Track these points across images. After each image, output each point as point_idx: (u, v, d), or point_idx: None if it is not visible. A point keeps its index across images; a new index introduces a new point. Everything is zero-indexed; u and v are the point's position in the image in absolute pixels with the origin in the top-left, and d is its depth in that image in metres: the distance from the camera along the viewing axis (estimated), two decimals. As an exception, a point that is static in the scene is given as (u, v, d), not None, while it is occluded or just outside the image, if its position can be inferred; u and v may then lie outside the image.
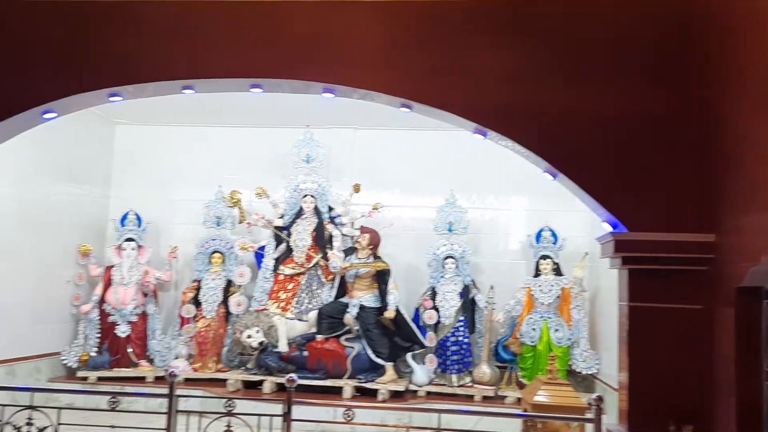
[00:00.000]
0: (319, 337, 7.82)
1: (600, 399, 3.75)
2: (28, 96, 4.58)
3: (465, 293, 8.02)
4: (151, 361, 8.31)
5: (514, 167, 5.99)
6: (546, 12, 4.37)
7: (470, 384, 7.78)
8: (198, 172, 9.10)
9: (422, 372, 7.75)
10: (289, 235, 8.40)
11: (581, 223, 8.20)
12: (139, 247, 8.47)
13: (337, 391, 7.50)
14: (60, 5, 4.65)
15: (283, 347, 7.72)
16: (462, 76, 4.39)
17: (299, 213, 8.46)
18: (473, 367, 7.88)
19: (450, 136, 7.47)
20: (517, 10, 4.39)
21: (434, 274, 8.19)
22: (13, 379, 7.32)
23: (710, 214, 3.99)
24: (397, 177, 8.93)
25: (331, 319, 7.87)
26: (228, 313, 8.34)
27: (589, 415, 3.91)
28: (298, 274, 8.35)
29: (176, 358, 8.21)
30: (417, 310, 8.09)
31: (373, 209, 8.38)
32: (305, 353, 7.72)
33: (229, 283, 8.43)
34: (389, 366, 7.72)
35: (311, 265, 8.32)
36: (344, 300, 8.01)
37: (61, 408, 4.11)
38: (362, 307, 7.82)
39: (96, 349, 8.10)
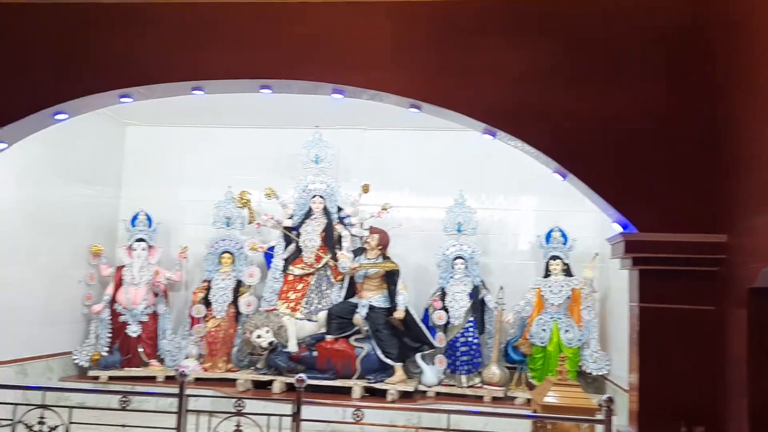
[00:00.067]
0: (329, 338, 7.83)
1: (610, 400, 3.73)
2: (40, 97, 4.62)
3: (474, 294, 8.00)
4: (161, 360, 8.34)
5: (524, 167, 5.97)
6: (557, 12, 4.35)
7: (480, 385, 7.77)
8: (208, 173, 9.14)
9: (431, 372, 7.75)
10: (298, 235, 8.42)
11: (591, 223, 8.17)
12: (150, 247, 8.51)
13: (346, 392, 7.51)
14: (71, 8, 4.68)
15: (292, 347, 7.74)
16: (471, 77, 4.38)
17: (308, 213, 8.48)
18: (483, 368, 7.86)
19: (459, 137, 7.46)
20: (528, 10, 4.38)
21: (443, 274, 8.18)
22: (26, 378, 7.37)
23: (722, 215, 3.97)
24: (406, 177, 8.92)
25: (340, 319, 7.88)
26: (238, 313, 8.37)
27: (599, 417, 3.89)
28: (308, 275, 8.36)
29: (186, 357, 8.25)
30: (426, 310, 8.08)
31: (382, 210, 8.38)
32: (315, 353, 7.74)
33: (239, 284, 8.46)
34: (398, 366, 7.72)
35: (320, 265, 8.34)
36: (353, 300, 8.01)
37: (72, 407, 4.14)
38: (371, 308, 7.82)
39: (107, 348, 8.15)
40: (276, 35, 4.53)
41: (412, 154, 8.86)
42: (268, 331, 7.72)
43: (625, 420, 4.46)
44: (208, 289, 8.42)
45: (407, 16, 4.45)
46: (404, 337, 7.80)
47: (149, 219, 8.62)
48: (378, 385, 7.54)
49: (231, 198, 8.57)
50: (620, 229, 4.23)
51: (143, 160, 9.28)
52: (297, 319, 8.02)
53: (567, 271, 7.88)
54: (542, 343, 7.67)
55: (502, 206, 8.85)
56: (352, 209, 8.55)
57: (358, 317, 7.80)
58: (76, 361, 8.13)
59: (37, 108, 4.62)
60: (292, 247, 8.44)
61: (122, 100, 4.77)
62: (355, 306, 7.90)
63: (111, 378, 7.89)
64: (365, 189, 8.42)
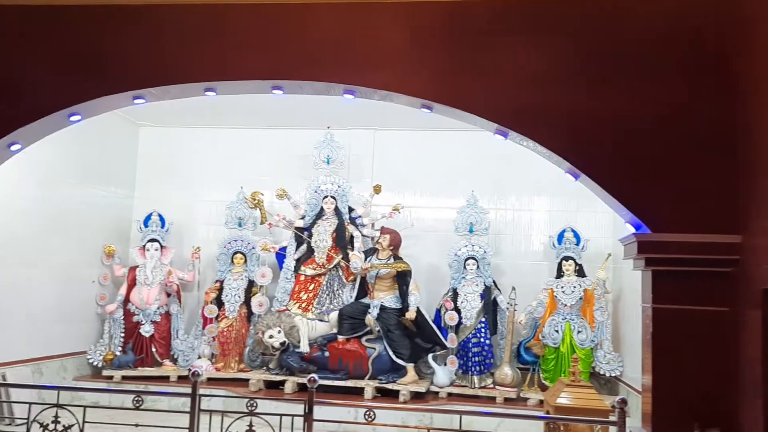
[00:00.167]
0: (341, 338, 7.84)
1: (624, 401, 3.71)
2: (54, 99, 4.67)
3: (486, 294, 7.98)
4: (174, 360, 8.39)
5: (536, 168, 5.97)
6: (570, 12, 4.33)
7: (492, 386, 7.74)
8: (220, 174, 9.19)
9: (443, 373, 7.73)
10: (309, 236, 8.44)
11: (604, 223, 8.15)
12: (163, 247, 8.56)
13: (358, 392, 7.51)
14: (84, 10, 4.72)
15: (304, 347, 7.75)
16: (483, 77, 4.37)
17: (320, 214, 8.49)
18: (495, 369, 7.84)
19: (471, 137, 7.44)
20: (541, 10, 4.36)
21: (455, 275, 8.17)
22: (40, 377, 7.44)
23: (736, 215, 3.93)
24: (418, 178, 8.92)
25: (352, 319, 7.89)
26: (250, 314, 8.40)
27: (612, 418, 3.87)
28: (319, 275, 8.38)
29: (199, 357, 8.29)
30: (438, 311, 8.07)
31: (394, 210, 8.38)
32: (326, 354, 7.75)
33: (251, 284, 8.49)
34: (410, 367, 7.72)
35: (332, 265, 8.35)
36: (365, 301, 8.02)
37: (86, 406, 4.17)
38: (383, 308, 7.82)
39: (120, 348, 8.20)
40: (288, 37, 4.55)
41: (424, 155, 8.86)
42: (279, 332, 7.75)
43: (638, 421, 4.43)
44: (221, 289, 8.45)
45: (418, 17, 4.45)
46: (416, 338, 7.79)
47: (162, 219, 8.67)
48: (390, 386, 7.54)
49: (243, 199, 8.60)
50: (633, 230, 4.20)
51: (156, 161, 9.34)
52: (309, 319, 8.04)
53: (580, 272, 7.85)
54: (555, 344, 7.64)
55: (515, 206, 8.83)
56: (363, 210, 8.56)
57: (370, 318, 7.81)
58: (90, 361, 8.19)
59: (51, 110, 4.67)
60: (304, 247, 8.46)
61: (135, 101, 4.81)
62: (367, 306, 7.90)
63: (124, 377, 7.94)
64: (377, 189, 8.43)
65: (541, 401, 6.67)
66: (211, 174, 9.27)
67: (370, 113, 7.92)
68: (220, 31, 4.62)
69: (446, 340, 7.78)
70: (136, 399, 4.02)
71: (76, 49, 4.72)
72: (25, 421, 4.15)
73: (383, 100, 4.65)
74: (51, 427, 4.07)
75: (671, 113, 4.15)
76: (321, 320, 8.11)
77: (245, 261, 8.57)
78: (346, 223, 8.44)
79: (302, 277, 8.39)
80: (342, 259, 8.30)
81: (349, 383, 7.55)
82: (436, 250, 8.51)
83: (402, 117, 6.99)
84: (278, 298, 8.35)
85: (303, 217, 8.56)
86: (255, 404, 3.96)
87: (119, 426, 4.72)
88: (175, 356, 8.41)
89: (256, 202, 8.50)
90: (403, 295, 7.83)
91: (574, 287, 7.75)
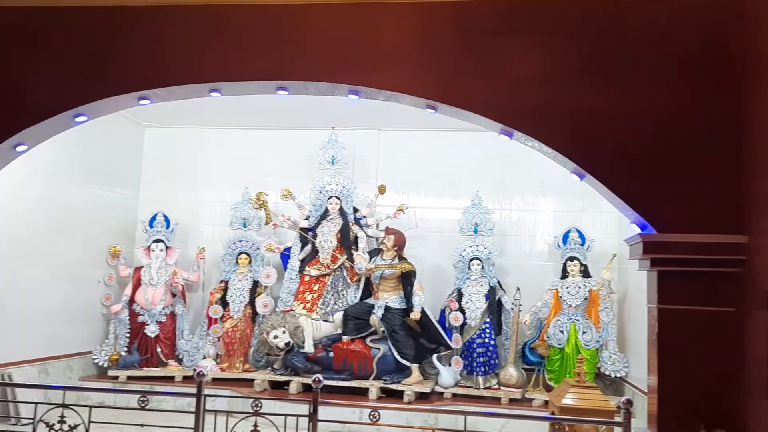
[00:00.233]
0: (345, 338, 7.84)
1: (629, 402, 3.70)
2: (60, 100, 4.68)
3: (491, 295, 7.97)
4: (179, 360, 8.40)
5: (541, 168, 5.95)
6: (575, 12, 4.33)
7: (497, 386, 7.73)
8: (225, 174, 9.21)
9: (448, 374, 7.73)
10: (314, 236, 8.44)
11: (609, 224, 8.13)
12: (168, 248, 8.58)
13: (362, 392, 7.51)
14: (90, 11, 4.74)
15: (309, 348, 7.75)
16: (488, 77, 4.37)
17: (324, 214, 8.50)
18: (500, 369, 7.83)
19: (475, 137, 7.43)
20: (546, 10, 4.36)
21: (460, 275, 8.16)
22: (46, 377, 7.46)
23: (742, 215, 3.92)
24: (422, 178, 8.92)
25: (356, 320, 7.89)
26: (255, 314, 8.41)
27: (617, 419, 3.86)
28: (324, 275, 8.38)
29: (204, 358, 8.31)
30: (443, 311, 8.07)
31: (398, 210, 8.38)
32: (331, 354, 7.75)
33: (256, 284, 8.50)
34: (415, 367, 7.71)
35: (336, 266, 8.35)
36: (370, 301, 8.02)
37: (92, 406, 4.18)
38: (387, 309, 7.82)
39: (126, 348, 8.22)
40: (293, 37, 4.55)
41: (429, 155, 8.85)
42: (284, 332, 7.75)
43: (644, 422, 4.43)
44: (225, 289, 8.46)
45: (423, 17, 4.45)
46: (420, 338, 7.79)
47: (167, 220, 8.69)
48: (394, 386, 7.54)
49: (248, 199, 8.61)
50: (638, 230, 4.19)
51: (161, 161, 9.36)
52: (313, 319, 8.04)
53: (585, 272, 7.83)
54: (560, 344, 7.62)
55: (519, 207, 8.82)
56: (368, 210, 8.56)
57: (375, 318, 7.81)
58: (96, 361, 8.21)
59: (57, 111, 4.69)
60: (309, 248, 8.47)
61: (141, 102, 4.83)
62: (372, 307, 7.90)
63: (130, 378, 7.96)
64: (381, 190, 8.43)
65: (546, 402, 6.65)
66: (215, 174, 9.29)
67: (375, 114, 7.92)
68: (226, 32, 4.63)
69: (451, 340, 7.78)
70: (141, 399, 4.03)
71: (82, 50, 4.74)
72: (31, 420, 4.17)
73: (388, 100, 4.65)
74: (57, 427, 4.08)
75: (676, 113, 4.14)
76: (325, 321, 8.11)
77: (250, 261, 8.59)
78: (350, 224, 8.44)
79: (307, 278, 8.39)
80: (346, 259, 8.30)
81: (354, 384, 7.55)
82: (440, 250, 8.50)
83: (406, 117, 6.98)
84: (283, 299, 8.35)
85: (308, 218, 8.57)
86: (260, 404, 3.97)
87: (125, 426, 4.73)
88: (180, 356, 8.42)
89: (261, 202, 8.51)
90: (408, 296, 7.82)
91: (579, 288, 7.73)
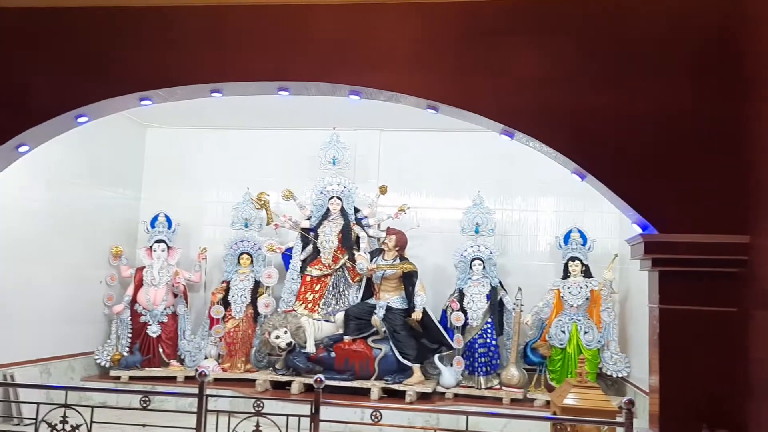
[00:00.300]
0: (347, 338, 7.84)
1: (631, 402, 3.70)
2: (62, 101, 4.69)
3: (492, 295, 7.97)
4: (181, 361, 8.41)
5: (542, 168, 5.95)
6: (576, 12, 4.32)
7: (498, 386, 7.73)
8: (226, 175, 9.22)
9: (450, 374, 7.73)
10: (315, 236, 8.45)
11: (611, 224, 8.13)
12: (169, 248, 8.59)
13: (364, 392, 7.51)
14: (91, 12, 4.74)
15: (310, 348, 7.76)
16: (489, 77, 4.37)
17: (326, 214, 8.50)
18: (501, 370, 7.83)
19: (476, 137, 7.43)
20: (547, 10, 4.36)
21: (461, 275, 8.15)
22: (48, 377, 7.47)
23: (744, 215, 3.91)
24: (424, 178, 8.93)
25: (358, 320, 7.89)
26: (256, 314, 8.42)
27: (619, 419, 3.86)
28: (325, 276, 8.39)
29: (206, 358, 8.31)
30: (444, 311, 8.07)
31: (400, 211, 8.39)
32: (333, 354, 7.75)
33: (257, 284, 8.51)
34: (416, 367, 7.71)
35: (338, 266, 8.35)
36: (371, 301, 8.02)
37: (94, 406, 4.18)
38: (389, 309, 7.82)
39: (128, 348, 8.23)
40: (294, 38, 4.56)
41: (430, 155, 8.86)
42: (286, 332, 7.76)
43: (645, 423, 4.43)
44: (227, 289, 8.47)
45: (423, 18, 4.45)
46: (422, 339, 7.79)
47: (169, 220, 8.70)
48: (396, 387, 7.54)
49: (249, 199, 8.62)
50: (640, 230, 4.19)
51: (163, 162, 9.37)
52: (315, 320, 8.04)
53: (586, 273, 7.82)
54: (561, 344, 7.62)
55: (521, 207, 8.82)
56: (369, 210, 8.56)
57: (376, 318, 7.81)
58: (98, 361, 8.22)
59: (58, 111, 4.69)
60: (310, 248, 8.47)
61: (142, 103, 4.83)
62: (373, 307, 7.90)
63: (132, 378, 7.96)
64: (383, 190, 8.44)
65: (548, 402, 6.65)
66: (217, 175, 9.30)
67: (376, 114, 7.92)
68: (227, 32, 4.63)
69: (452, 340, 7.78)
70: (143, 399, 4.04)
71: (83, 51, 4.74)
72: (34, 421, 4.18)
73: (389, 100, 4.65)
74: (59, 427, 4.08)
75: (677, 113, 4.14)
76: (327, 321, 8.12)
77: (251, 262, 8.59)
78: (352, 224, 8.44)
79: (308, 278, 8.40)
80: (348, 259, 8.31)
81: (356, 384, 7.56)
82: (442, 250, 8.50)
83: (407, 118, 6.99)
84: (284, 299, 8.36)
85: (309, 218, 8.58)
86: (262, 405, 3.97)
87: (127, 426, 4.75)
88: (182, 357, 8.43)
89: (263, 202, 8.52)
90: (409, 296, 7.83)
91: (581, 288, 7.73)
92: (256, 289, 8.48)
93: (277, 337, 7.75)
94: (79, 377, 8.01)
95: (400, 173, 8.82)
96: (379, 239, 8.34)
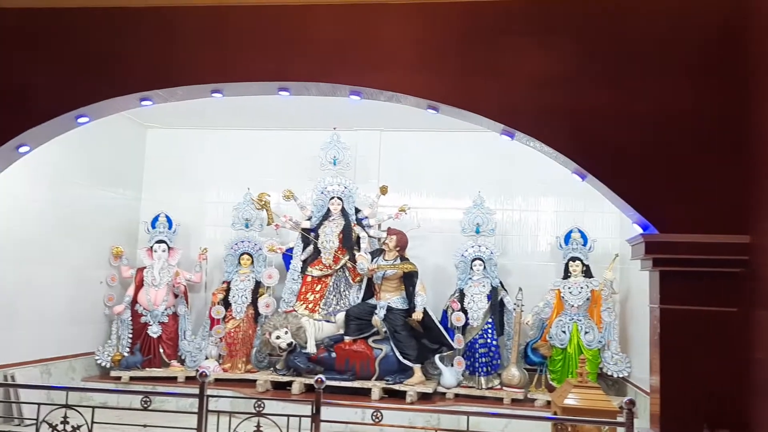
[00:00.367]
0: (347, 339, 7.84)
1: (631, 402, 3.70)
2: (62, 101, 4.69)
3: (493, 295, 7.97)
4: (182, 361, 8.41)
5: (543, 168, 5.95)
6: (577, 12, 4.32)
7: (499, 386, 7.73)
8: (227, 175, 9.23)
9: (450, 374, 7.73)
10: (316, 237, 8.45)
11: (611, 224, 8.13)
12: (170, 248, 8.59)
13: (365, 393, 7.51)
14: (91, 12, 4.74)
15: (311, 348, 7.76)
16: (490, 78, 4.37)
17: (327, 215, 8.50)
18: (502, 370, 7.83)
19: (477, 138, 7.43)
20: (548, 10, 4.35)
21: (462, 275, 8.15)
22: (49, 378, 7.48)
23: (745, 215, 3.91)
24: (424, 178, 8.93)
25: (358, 320, 7.89)
26: (257, 314, 8.42)
27: (620, 419, 3.86)
28: (326, 276, 8.39)
29: (206, 358, 8.31)
30: (445, 311, 8.07)
31: (400, 211, 8.39)
32: (333, 354, 7.76)
33: (258, 285, 8.51)
34: (417, 368, 7.71)
35: (339, 266, 8.36)
36: (372, 301, 8.02)
37: (95, 407, 4.18)
38: (390, 309, 7.82)
39: (128, 349, 8.23)
40: (294, 38, 4.56)
41: (430, 155, 8.86)
42: (286, 333, 7.76)
43: (646, 423, 4.42)
44: (228, 290, 8.47)
45: (424, 18, 4.45)
46: (423, 339, 7.79)
47: (169, 221, 8.70)
48: (397, 387, 7.54)
49: (250, 200, 8.62)
50: (640, 230, 4.19)
51: (164, 162, 9.37)
52: (315, 320, 8.04)
53: (587, 273, 7.82)
54: (562, 344, 7.62)
55: (521, 207, 8.82)
56: (370, 210, 8.56)
57: (377, 318, 7.81)
58: (99, 362, 8.22)
59: (59, 112, 4.69)
60: (311, 248, 8.47)
61: (142, 103, 4.83)
62: (374, 307, 7.90)
63: (132, 378, 7.97)
64: (383, 190, 8.44)
65: (549, 402, 6.65)
66: (218, 175, 9.30)
67: (376, 114, 7.93)
68: (227, 32, 4.63)
69: (453, 340, 7.78)
70: (144, 400, 4.04)
71: (83, 51, 4.74)
72: (34, 421, 4.18)
73: (389, 101, 4.65)
74: (60, 427, 4.09)
75: (679, 113, 4.13)
76: (328, 321, 8.12)
77: (252, 262, 8.59)
78: (352, 224, 8.44)
79: (309, 278, 8.40)
80: (348, 260, 8.31)
81: (356, 384, 7.56)
82: (442, 250, 8.50)
83: (408, 118, 6.99)
84: (285, 299, 8.36)
85: (310, 218, 8.58)
86: (262, 405, 3.97)
87: (127, 426, 4.75)
88: (183, 357, 8.43)
89: (263, 203, 8.52)
90: (410, 296, 7.83)
91: (582, 288, 7.73)
92: (257, 289, 8.48)
93: (278, 337, 7.75)
94: (79, 378, 8.01)
95: (400, 173, 8.83)
96: (379, 239, 8.34)
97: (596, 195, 4.46)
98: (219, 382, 7.86)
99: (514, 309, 7.86)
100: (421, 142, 8.87)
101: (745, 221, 3.90)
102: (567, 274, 7.86)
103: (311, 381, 4.54)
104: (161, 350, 8.31)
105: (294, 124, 8.82)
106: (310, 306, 8.24)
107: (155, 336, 8.31)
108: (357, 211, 8.56)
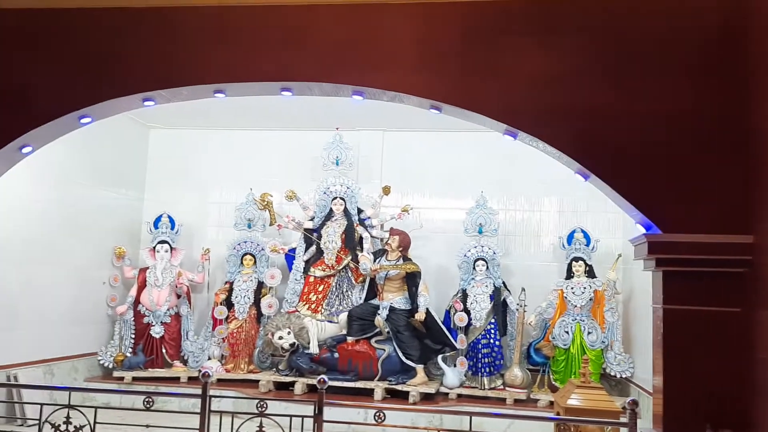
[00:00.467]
0: (350, 339, 7.84)
1: (635, 403, 3.69)
2: (65, 101, 4.69)
3: (496, 295, 7.96)
4: (184, 361, 8.42)
5: (545, 168, 5.95)
6: (580, 12, 4.31)
7: (502, 387, 7.73)
8: (229, 175, 9.24)
9: (453, 374, 7.72)
10: (319, 237, 8.45)
11: (614, 224, 8.13)
12: (173, 249, 8.60)
13: (367, 393, 7.51)
14: (94, 12, 4.75)
15: (313, 349, 7.77)
16: (492, 77, 4.36)
17: (329, 215, 8.51)
18: (505, 370, 7.82)
19: (479, 138, 7.43)
20: (551, 10, 4.35)
21: (465, 276, 8.15)
22: (52, 378, 7.49)
23: (748, 215, 3.90)
24: (427, 179, 8.93)
25: (361, 320, 7.89)
26: (259, 315, 8.42)
27: (623, 419, 3.85)
28: (329, 276, 8.39)
29: (209, 359, 8.32)
30: (447, 312, 8.06)
31: (403, 211, 8.38)
32: (336, 355, 7.76)
33: (261, 285, 8.52)
34: (420, 368, 7.71)
35: (341, 267, 8.36)
36: (374, 302, 8.02)
37: (97, 407, 4.19)
38: (392, 309, 7.82)
39: (131, 349, 8.24)
40: (296, 38, 4.56)
41: (433, 156, 8.86)
42: (289, 333, 7.76)
43: (649, 423, 4.41)
44: (230, 290, 8.48)
45: (427, 17, 4.44)
46: (425, 339, 7.79)
47: (172, 221, 8.71)
48: (399, 387, 7.54)
49: (252, 200, 8.63)
50: (643, 230, 4.18)
51: (166, 163, 9.39)
52: (318, 320, 8.05)
53: (590, 273, 7.82)
54: (565, 345, 7.61)
55: (524, 207, 8.81)
56: (372, 211, 8.56)
57: (379, 319, 7.81)
58: (101, 362, 8.24)
59: (62, 112, 4.69)
60: (313, 248, 8.48)
61: (145, 103, 4.83)
62: (376, 307, 7.90)
63: (135, 379, 7.98)
64: (386, 191, 8.44)
65: (552, 402, 6.65)
66: (220, 176, 9.31)
67: (379, 114, 7.93)
68: (230, 33, 4.63)
69: (456, 341, 7.77)
70: (146, 400, 4.04)
71: (86, 51, 4.75)
72: (37, 421, 4.18)
73: (392, 101, 4.64)
74: (63, 427, 4.09)
75: (681, 113, 4.12)
76: (330, 321, 8.12)
77: (255, 262, 8.60)
78: (355, 225, 8.45)
79: (311, 279, 8.40)
80: (351, 260, 8.31)
81: (359, 384, 7.56)
82: (445, 251, 8.50)
83: (410, 118, 6.99)
84: (288, 300, 8.37)
85: (312, 219, 8.58)
86: (265, 405, 3.97)
87: (130, 427, 4.75)
88: (185, 357, 8.44)
89: (266, 203, 8.53)
90: (413, 296, 7.83)
91: (584, 288, 7.72)
92: (260, 289, 8.49)
93: (281, 337, 7.75)
94: (82, 378, 8.02)
95: (403, 174, 8.83)
96: (382, 240, 8.33)
97: (599, 195, 4.45)
98: (221, 382, 7.86)
99: (517, 309, 7.86)
100: (423, 143, 8.87)
101: (748, 221, 3.89)
102: (570, 275, 7.86)
103: (314, 381, 4.54)
104: (164, 351, 8.32)
105: (296, 124, 8.82)
106: (313, 306, 8.25)
107: (158, 336, 8.32)
108: (360, 211, 8.56)
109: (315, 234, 8.49)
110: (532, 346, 7.85)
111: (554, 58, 4.29)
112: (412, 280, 7.87)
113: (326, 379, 4.00)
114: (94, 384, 7.88)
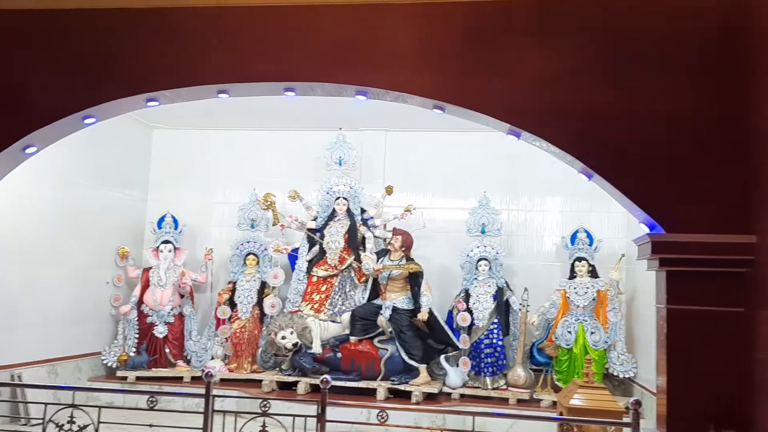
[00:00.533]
0: (353, 339, 7.85)
1: (638, 403, 3.69)
2: (69, 102, 4.71)
3: (499, 295, 7.96)
4: (188, 361, 8.43)
5: (548, 168, 5.95)
6: (582, 12, 4.31)
7: (505, 387, 7.72)
8: (233, 176, 9.25)
9: (456, 374, 7.72)
10: (321, 237, 8.45)
11: (617, 224, 8.11)
12: (176, 249, 8.61)
13: (370, 393, 7.52)
14: (98, 13, 4.76)
15: (316, 349, 7.77)
16: (496, 77, 4.36)
17: (332, 215, 8.51)
18: (507, 370, 7.82)
19: (483, 138, 7.44)
20: (554, 10, 4.35)
21: (467, 276, 8.15)
22: (56, 378, 7.50)
23: (751, 215, 3.90)
24: (430, 179, 8.93)
25: (364, 320, 7.90)
26: (262, 315, 8.43)
27: (626, 420, 3.85)
28: (331, 276, 8.39)
29: (212, 358, 8.33)
30: (450, 312, 8.06)
31: (406, 211, 8.38)
32: (339, 355, 7.76)
33: (264, 285, 8.52)
34: (423, 368, 7.71)
35: (344, 267, 8.36)
36: (377, 302, 8.02)
37: (101, 407, 4.19)
38: (395, 309, 7.83)
39: (134, 349, 8.25)
40: (300, 38, 4.56)
41: (436, 156, 8.86)
42: (292, 333, 7.77)
43: (652, 423, 4.42)
44: (233, 290, 8.49)
45: (430, 18, 4.45)
46: (428, 339, 7.79)
47: (175, 221, 8.72)
48: (402, 387, 7.54)
49: (255, 200, 8.64)
50: (647, 230, 4.18)
51: (170, 163, 9.40)
52: (321, 320, 8.05)
53: (593, 273, 7.81)
54: (567, 345, 7.60)
55: (527, 207, 8.81)
56: (375, 211, 8.57)
57: (382, 319, 7.81)
58: (105, 362, 8.25)
59: (65, 112, 4.71)
60: (316, 248, 8.48)
61: (149, 104, 4.84)
62: (379, 307, 7.91)
63: (138, 378, 7.99)
64: (389, 191, 8.44)
65: (554, 402, 6.63)
66: (223, 176, 9.33)
67: (382, 114, 7.93)
68: (234, 32, 4.64)
69: (458, 341, 7.78)
70: (150, 399, 4.04)
71: (89, 52, 4.76)
72: (41, 421, 4.19)
73: (395, 101, 4.65)
74: (66, 427, 4.09)
75: (685, 113, 4.12)
76: (333, 321, 8.12)
77: (258, 262, 8.61)
78: (358, 225, 8.45)
79: (314, 279, 8.41)
80: (354, 260, 8.32)
81: (362, 384, 7.56)
82: (448, 251, 8.50)
83: (414, 118, 6.99)
84: (290, 300, 8.37)
85: (315, 219, 8.59)
86: (268, 405, 3.97)
87: (133, 426, 4.76)
88: (189, 357, 8.45)
89: (269, 203, 8.53)
90: (416, 296, 7.83)
91: (587, 288, 7.71)
92: (263, 289, 8.50)
93: (284, 337, 7.76)
94: (86, 378, 8.04)
95: (406, 173, 8.83)
96: (385, 240, 8.33)
97: (602, 195, 4.45)
98: (225, 382, 7.88)
99: (520, 309, 7.85)
100: (426, 143, 8.87)
101: (751, 221, 3.89)
102: (573, 275, 7.85)
103: (317, 381, 4.54)
104: (167, 350, 8.33)
105: (300, 124, 8.83)
106: (316, 306, 8.25)
107: (161, 336, 8.34)
108: (362, 211, 8.56)
109: (318, 234, 8.49)
110: (535, 346, 7.84)
111: (555, 58, 4.29)
112: (414, 280, 7.88)
113: (329, 379, 4.00)
114: (97, 384, 7.90)
